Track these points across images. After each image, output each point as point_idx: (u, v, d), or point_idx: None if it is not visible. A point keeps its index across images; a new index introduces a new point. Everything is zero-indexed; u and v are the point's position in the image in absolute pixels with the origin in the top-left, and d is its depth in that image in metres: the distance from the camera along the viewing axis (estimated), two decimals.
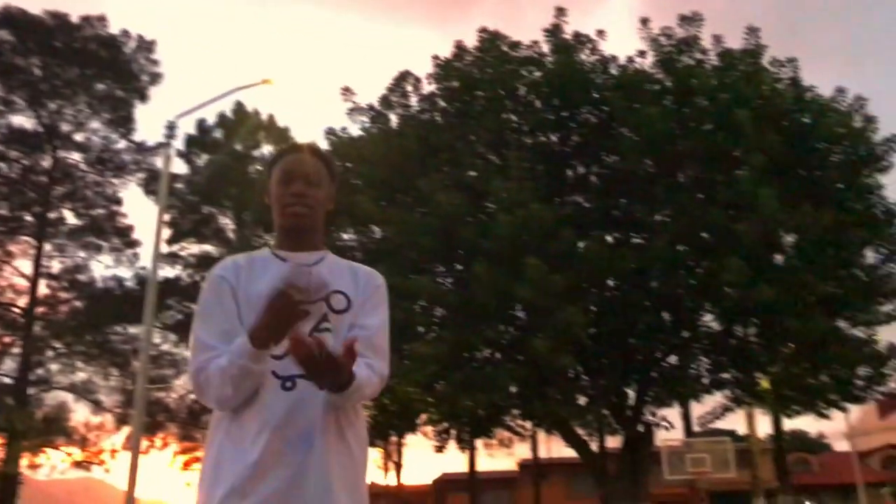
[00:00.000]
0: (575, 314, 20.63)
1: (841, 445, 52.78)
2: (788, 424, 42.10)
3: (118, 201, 36.08)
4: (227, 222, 36.74)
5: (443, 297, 22.43)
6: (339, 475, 2.17)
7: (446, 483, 50.52)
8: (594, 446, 33.13)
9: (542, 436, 38.77)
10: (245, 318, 2.21)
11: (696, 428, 35.05)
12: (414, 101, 28.08)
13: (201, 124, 37.99)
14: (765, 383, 27.84)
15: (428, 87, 27.84)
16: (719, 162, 25.35)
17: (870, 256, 27.52)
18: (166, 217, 30.99)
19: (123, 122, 35.90)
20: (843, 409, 30.63)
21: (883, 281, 27.42)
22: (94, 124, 35.57)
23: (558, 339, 20.74)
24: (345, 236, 27.06)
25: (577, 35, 26.82)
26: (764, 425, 58.69)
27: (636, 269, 25.17)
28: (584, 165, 29.03)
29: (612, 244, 25.97)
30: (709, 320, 29.07)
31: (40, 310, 33.88)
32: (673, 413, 34.42)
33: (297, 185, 2.30)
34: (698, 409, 37.45)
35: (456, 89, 26.69)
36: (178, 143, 32.33)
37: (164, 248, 34.04)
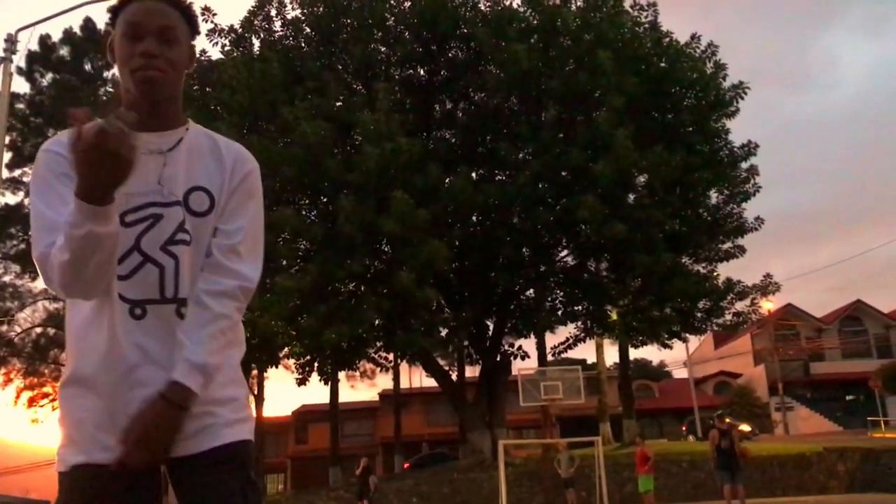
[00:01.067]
0: (439, 248, 20.93)
1: (680, 373, 56.98)
2: (633, 354, 44.72)
3: None
4: None
5: (308, 229, 22.17)
6: None
7: (307, 414, 50.84)
8: (454, 376, 34.21)
9: (403, 366, 39.62)
10: None
11: (549, 357, 36.79)
12: (278, 25, 27.15)
13: (45, 40, 35.26)
14: (614, 315, 29.43)
15: (293, 13, 26.96)
16: (580, 102, 26.11)
17: (713, 197, 29.39)
18: (6, 139, 28.81)
19: None
20: (684, 340, 32.89)
21: (724, 220, 29.36)
22: None
23: (422, 272, 21.03)
24: None
25: None
26: (611, 354, 62.22)
27: (499, 204, 25.79)
28: (452, 101, 29.19)
29: (476, 180, 26.41)
30: (564, 255, 30.38)
31: None
32: (528, 343, 35.90)
33: (148, 43, 1.71)
34: (552, 339, 39.17)
35: (322, 15, 25.94)
36: (19, 60, 29.93)
37: (5, 174, 31.74)
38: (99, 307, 1.71)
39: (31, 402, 33.84)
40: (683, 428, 43.03)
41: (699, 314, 29.73)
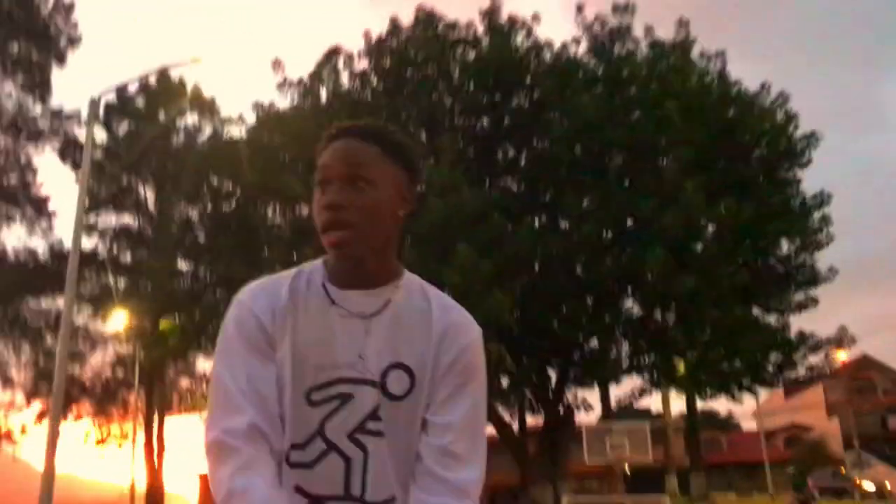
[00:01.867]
0: (503, 300, 20.75)
1: (749, 424, 55.16)
2: (700, 404, 43.45)
3: (33, 169, 34.59)
4: (147, 194, 35.69)
5: None
6: None
7: None
8: (514, 426, 33.70)
9: None
10: (291, 373, 1.46)
11: (613, 407, 36.05)
12: (345, 77, 27.67)
13: (121, 91, 36.57)
14: (681, 368, 28.71)
15: (360, 65, 27.47)
16: (646, 152, 25.85)
17: (785, 247, 28.64)
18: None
19: (39, 86, 34.31)
20: (755, 393, 31.87)
21: (796, 270, 28.55)
22: (8, 88, 33.93)
23: (486, 326, 20.84)
24: (271, 216, 26.63)
25: (513, 18, 26.80)
26: (677, 404, 60.59)
27: (562, 254, 25.54)
28: (515, 149, 29.20)
29: (539, 229, 26.26)
30: (630, 306, 29.86)
31: None
32: (592, 395, 35.19)
33: (333, 191, 1.48)
34: (616, 390, 38.33)
35: (389, 67, 26.37)
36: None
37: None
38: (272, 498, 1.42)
39: (100, 442, 34.53)
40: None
41: (770, 367, 28.83)
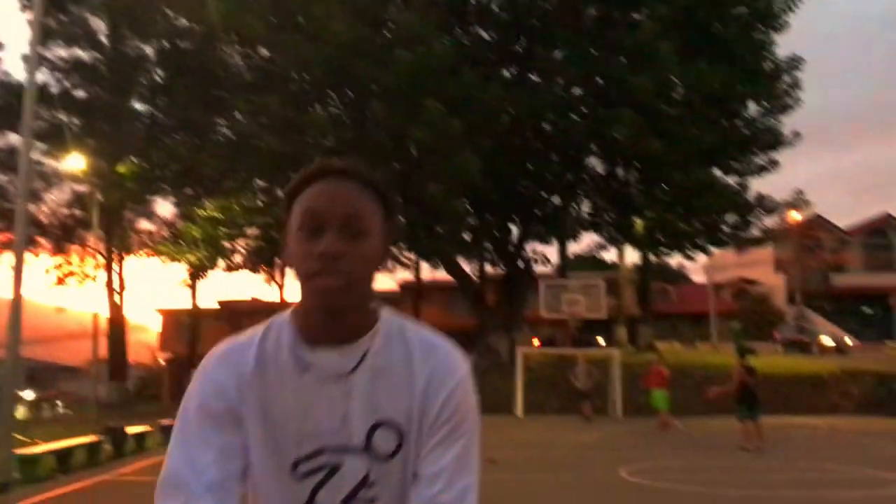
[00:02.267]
0: (471, 160, 20.59)
1: (698, 277, 56.89)
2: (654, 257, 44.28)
3: None
4: (100, 26, 33.74)
5: (336, 132, 21.81)
6: None
7: None
8: (475, 277, 34.37)
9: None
10: (267, 446, 1.40)
11: (570, 257, 36.95)
12: None
13: None
14: (640, 227, 29.23)
15: None
16: (622, 4, 25.05)
17: (752, 109, 28.61)
18: (31, 15, 28.16)
19: None
20: (708, 253, 32.75)
21: (761, 133, 28.67)
22: None
23: (453, 183, 20.79)
24: (232, 58, 25.61)
25: None
26: (631, 254, 62.02)
27: (531, 111, 25.18)
28: None
29: (510, 82, 25.73)
30: (594, 164, 29.91)
31: None
32: (551, 250, 35.79)
33: (330, 239, 1.34)
34: (575, 245, 38.96)
35: None
36: None
37: (28, 50, 31.21)
38: None
39: (60, 280, 34.51)
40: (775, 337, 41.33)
41: (727, 228, 29.50)
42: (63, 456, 12.14)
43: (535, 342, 32.97)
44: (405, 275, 46.00)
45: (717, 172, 28.79)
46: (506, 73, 27.28)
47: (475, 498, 1.39)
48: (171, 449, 1.40)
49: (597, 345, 31.59)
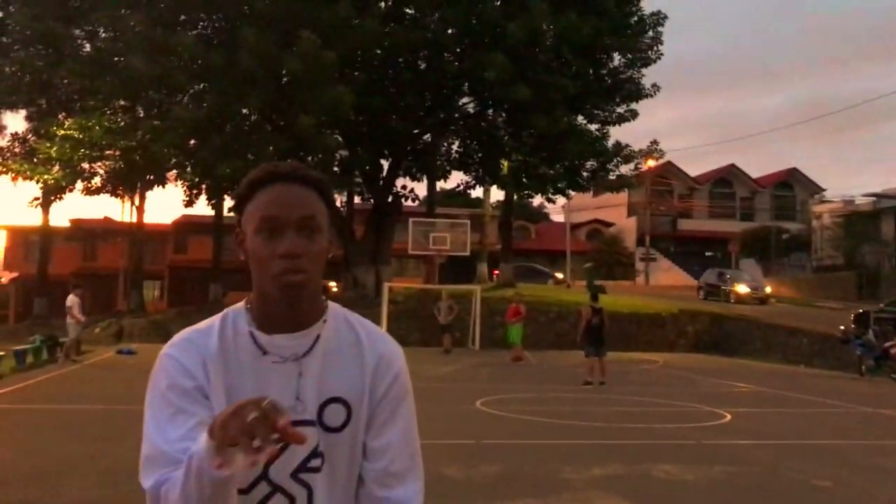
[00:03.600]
0: (344, 94, 20.60)
1: (557, 217, 59.20)
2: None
3: None
4: None
5: (206, 56, 21.19)
6: None
7: (187, 225, 50.36)
8: (342, 209, 34.49)
9: None
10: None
11: (439, 194, 37.75)
12: None
13: None
14: (506, 168, 30.21)
15: None
16: None
17: (616, 60, 29.88)
18: None
19: None
20: (568, 197, 34.26)
21: (623, 84, 30.05)
22: None
23: (325, 116, 20.77)
24: None
25: None
26: (496, 193, 63.50)
27: (406, 46, 25.27)
28: None
29: (384, 15, 25.62)
30: (465, 103, 30.45)
31: None
32: (420, 187, 36.29)
33: (289, 241, 1.47)
34: (443, 183, 39.57)
35: None
36: None
37: None
38: None
39: None
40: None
41: (586, 174, 30.95)
42: None
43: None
44: None
45: (580, 120, 30.09)
46: (381, 6, 27.16)
47: (421, 465, 1.58)
48: (146, 431, 1.51)
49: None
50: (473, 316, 25.42)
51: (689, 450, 8.60)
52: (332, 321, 1.58)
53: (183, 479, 1.37)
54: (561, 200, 37.14)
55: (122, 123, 23.12)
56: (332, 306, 1.60)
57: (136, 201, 35.94)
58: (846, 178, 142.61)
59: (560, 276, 43.84)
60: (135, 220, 37.79)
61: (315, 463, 1.52)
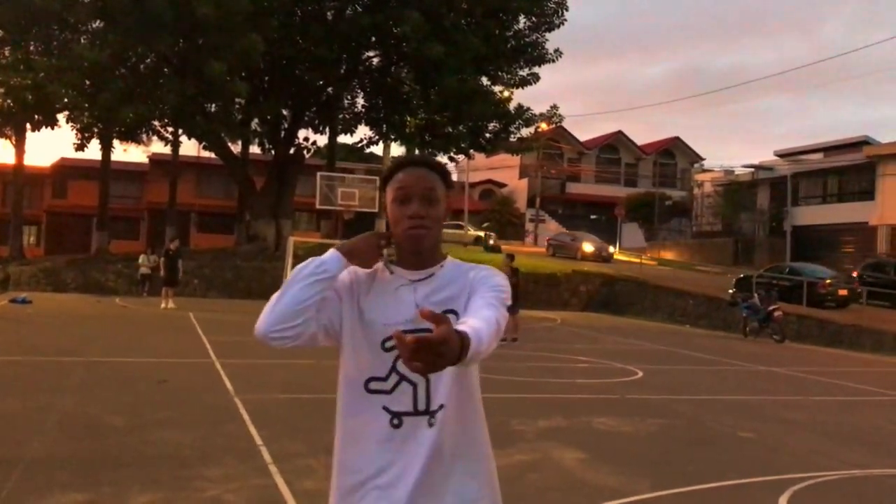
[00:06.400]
0: (255, 42, 20.09)
1: (454, 177, 59.58)
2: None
3: None
4: None
5: None
6: None
7: (68, 169, 47.84)
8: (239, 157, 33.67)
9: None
10: (364, 329, 2.03)
11: (341, 151, 37.43)
12: None
13: None
14: (411, 124, 30.27)
15: None
16: None
17: (522, 23, 30.28)
18: None
19: None
20: (470, 157, 34.68)
21: (528, 48, 30.54)
22: None
23: (235, 64, 20.21)
24: None
25: None
26: (395, 149, 63.20)
27: None
28: None
29: None
30: (372, 56, 30.17)
31: None
32: (323, 140, 35.84)
33: (415, 206, 2.02)
34: (347, 138, 39.19)
35: None
36: None
37: None
38: (367, 420, 2.00)
39: None
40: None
41: (489, 135, 31.42)
42: None
43: None
44: (157, 147, 43.72)
45: (485, 81, 30.43)
46: None
47: (500, 316, 1.92)
48: (289, 284, 1.98)
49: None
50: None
51: (618, 403, 9.19)
52: (448, 267, 2.10)
53: (296, 271, 1.96)
54: (461, 161, 37.53)
55: (12, 59, 21.72)
56: (452, 259, 2.12)
57: (13, 141, 33.97)
58: (722, 147, 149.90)
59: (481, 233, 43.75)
60: (14, 161, 35.63)
61: None
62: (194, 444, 6.32)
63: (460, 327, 1.73)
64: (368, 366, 2.04)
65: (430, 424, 2.00)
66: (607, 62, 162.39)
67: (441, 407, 2.01)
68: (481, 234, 43.43)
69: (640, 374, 11.91)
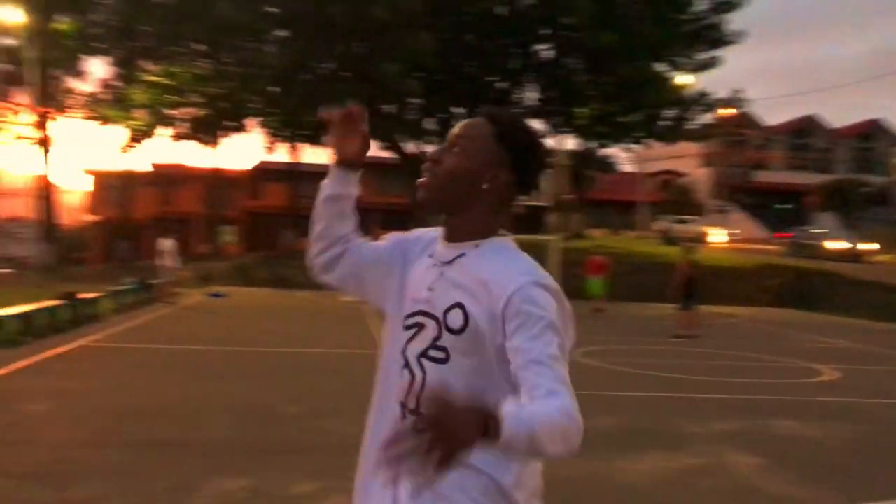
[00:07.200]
0: (428, 41, 20.42)
1: (626, 166, 57.96)
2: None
3: None
4: None
5: (291, 4, 21.15)
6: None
7: (264, 171, 51.04)
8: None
9: None
10: (395, 295, 1.81)
11: None
12: None
13: None
14: (583, 116, 29.73)
15: None
16: None
17: (699, 4, 28.89)
18: None
19: None
20: (647, 145, 33.60)
21: (706, 31, 29.11)
22: None
23: (408, 64, 20.64)
24: None
25: None
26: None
27: None
28: None
29: None
30: (543, 49, 29.89)
31: None
32: None
33: (435, 151, 1.75)
34: None
35: None
36: None
37: None
38: (380, 400, 1.85)
39: None
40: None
41: (666, 123, 30.29)
42: (28, 319, 12.26)
43: None
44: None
45: (661, 67, 29.32)
46: None
47: (550, 369, 1.56)
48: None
49: None
50: (551, 267, 25.28)
51: (805, 406, 8.46)
52: (485, 248, 1.73)
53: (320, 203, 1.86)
54: (634, 150, 36.48)
55: (208, 70, 23.38)
56: (494, 239, 1.75)
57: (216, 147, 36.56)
58: None
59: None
60: (213, 166, 38.45)
61: (436, 354, 1.72)
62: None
63: (503, 408, 1.42)
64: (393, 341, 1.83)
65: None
66: (796, 42, 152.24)
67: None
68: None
69: (833, 374, 10.96)
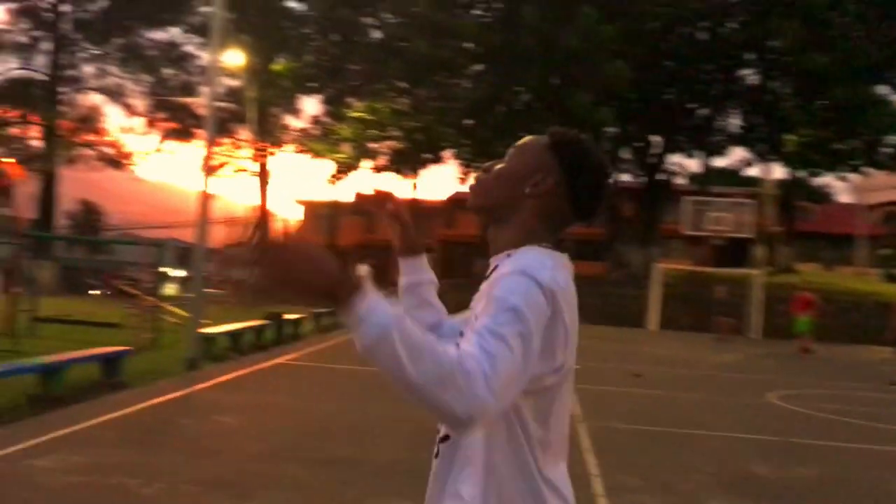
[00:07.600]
0: (621, 69, 20.14)
1: (842, 197, 53.56)
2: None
3: None
4: None
5: (485, 36, 21.68)
6: None
7: (458, 202, 52.49)
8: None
9: None
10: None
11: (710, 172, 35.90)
12: None
13: None
14: (792, 143, 27.96)
15: None
16: None
17: None
18: None
19: None
20: (865, 174, 31.09)
21: None
22: None
23: (600, 93, 20.46)
24: None
25: None
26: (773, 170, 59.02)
27: (687, 15, 24.14)
28: None
29: None
30: (748, 74, 28.56)
31: (67, 7, 33.04)
32: (691, 163, 34.81)
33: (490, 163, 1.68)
34: (716, 160, 37.57)
35: None
36: None
37: None
38: None
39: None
40: None
41: (888, 149, 27.89)
42: (236, 337, 13.29)
43: None
44: None
45: (883, 89, 27.08)
46: None
47: (478, 336, 1.37)
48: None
49: None
50: (753, 302, 23.94)
51: None
52: (516, 256, 1.57)
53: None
54: (850, 179, 33.81)
55: (406, 105, 24.48)
56: (527, 248, 1.58)
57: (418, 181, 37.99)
58: None
59: None
60: (411, 196, 39.92)
61: None
62: None
63: (373, 291, 1.28)
64: None
65: (436, 454, 1.57)
66: None
67: (447, 437, 1.54)
68: None
69: None
